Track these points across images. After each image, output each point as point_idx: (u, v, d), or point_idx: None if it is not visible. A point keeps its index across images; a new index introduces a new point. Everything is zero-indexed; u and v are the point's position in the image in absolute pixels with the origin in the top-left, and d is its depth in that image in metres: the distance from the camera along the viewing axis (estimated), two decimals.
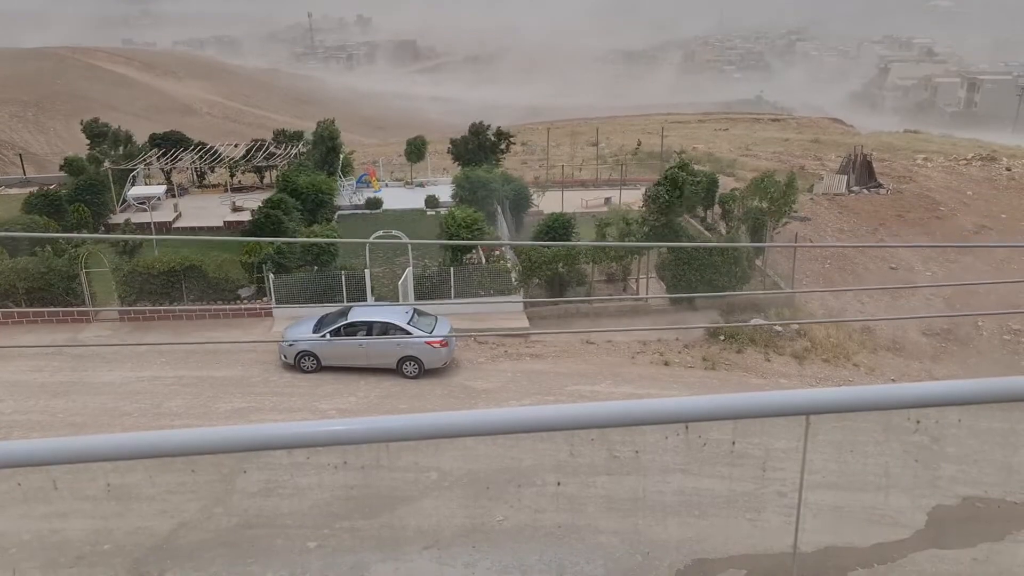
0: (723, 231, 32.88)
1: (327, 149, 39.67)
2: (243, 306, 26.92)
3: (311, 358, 23.05)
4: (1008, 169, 47.02)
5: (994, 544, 3.02)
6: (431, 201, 37.88)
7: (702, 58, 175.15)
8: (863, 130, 78.12)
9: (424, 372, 22.96)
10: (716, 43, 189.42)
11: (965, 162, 49.99)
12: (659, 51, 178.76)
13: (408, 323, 23.24)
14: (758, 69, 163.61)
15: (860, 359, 25.96)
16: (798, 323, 26.72)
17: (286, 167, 38.41)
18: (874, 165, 42.89)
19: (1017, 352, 27.33)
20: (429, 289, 27.32)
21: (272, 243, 26.77)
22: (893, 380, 24.70)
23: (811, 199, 38.77)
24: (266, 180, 42.08)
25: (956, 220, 37.53)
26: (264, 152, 41.35)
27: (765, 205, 29.62)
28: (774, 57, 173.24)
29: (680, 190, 27.33)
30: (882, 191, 41.06)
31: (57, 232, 28.02)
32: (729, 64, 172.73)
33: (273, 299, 26.64)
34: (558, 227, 28.60)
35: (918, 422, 2.68)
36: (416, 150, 42.81)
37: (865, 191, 40.90)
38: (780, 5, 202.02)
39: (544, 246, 26.95)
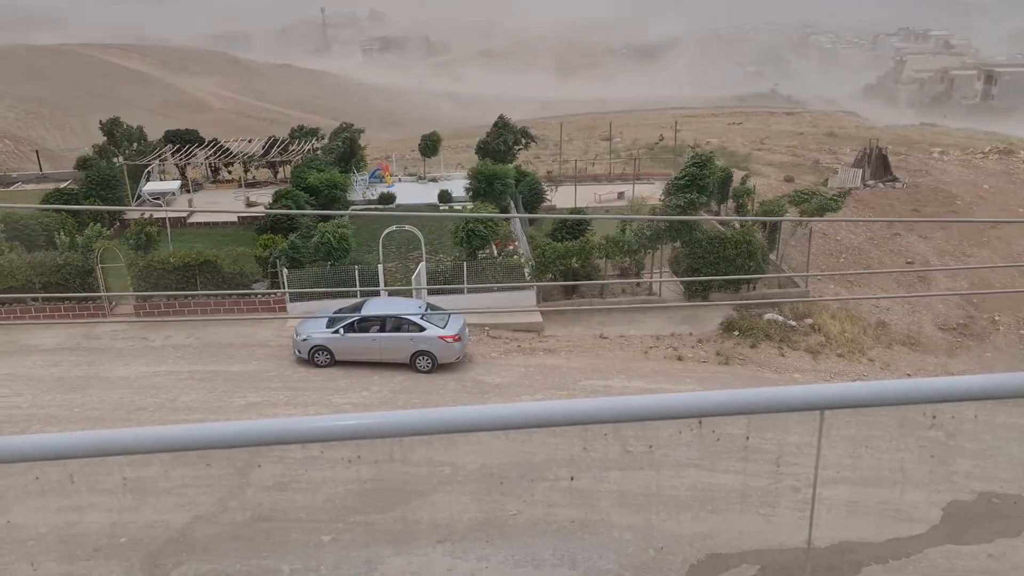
0: (737, 225, 32.73)
1: (346, 150, 39.76)
2: (257, 291, 27.03)
3: (325, 352, 23.15)
4: None
5: (1010, 540, 3.00)
6: (444, 196, 37.91)
7: (715, 51, 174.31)
8: (878, 123, 77.58)
9: (437, 367, 23.02)
10: (729, 36, 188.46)
11: (982, 155, 49.58)
12: (672, 45, 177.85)
13: (421, 318, 23.29)
14: (772, 62, 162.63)
15: (875, 354, 25.81)
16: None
17: (300, 163, 38.55)
18: (889, 159, 42.57)
19: None
20: (442, 284, 27.37)
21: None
22: (908, 375, 24.56)
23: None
24: (280, 176, 42.23)
25: (973, 214, 37.22)
26: (279, 147, 41.52)
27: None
28: (788, 50, 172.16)
29: (702, 185, 27.44)
30: (898, 185, 40.76)
31: (71, 228, 28.21)
32: (743, 57, 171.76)
33: (287, 292, 26.75)
34: (573, 223, 28.59)
35: (934, 417, 2.67)
36: (431, 146, 42.86)
37: (880, 185, 40.60)
38: None
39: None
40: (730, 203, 34.29)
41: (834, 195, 30.38)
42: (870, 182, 40.68)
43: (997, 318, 28.31)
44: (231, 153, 41.95)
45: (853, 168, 41.93)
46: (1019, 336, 27.68)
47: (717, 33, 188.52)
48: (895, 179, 41.22)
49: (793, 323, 26.52)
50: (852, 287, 30.49)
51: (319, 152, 40.37)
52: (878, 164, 41.50)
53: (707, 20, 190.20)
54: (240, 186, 41.48)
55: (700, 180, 27.49)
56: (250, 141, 43.32)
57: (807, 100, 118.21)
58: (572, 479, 2.79)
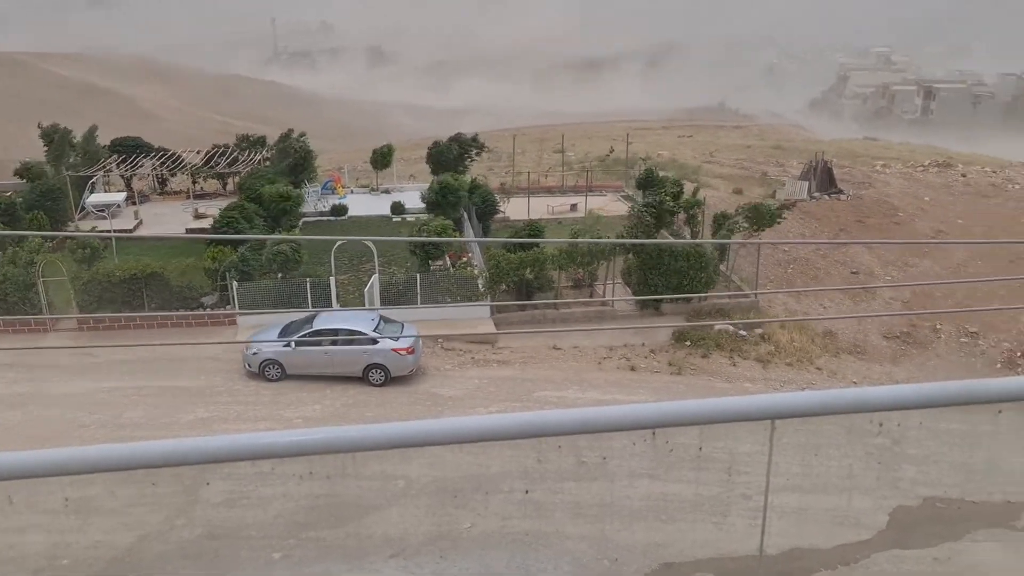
0: (688, 236, 33.14)
1: (295, 162, 39.26)
2: (206, 312, 26.57)
3: (276, 366, 22.82)
4: (963, 175, 48.11)
5: (954, 544, 3.07)
6: (397, 208, 37.75)
7: (666, 65, 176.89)
8: (824, 137, 79.39)
9: (390, 380, 22.84)
10: (680, 50, 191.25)
11: (922, 168, 51.09)
12: (623, 58, 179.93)
13: (374, 330, 23.11)
14: (721, 76, 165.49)
15: (823, 363, 26.32)
16: (761, 321, 27.03)
17: (249, 174, 38.04)
18: (834, 171, 43.62)
19: (974, 354, 27.92)
20: (395, 296, 27.21)
21: (242, 243, 26.49)
22: (855, 383, 25.08)
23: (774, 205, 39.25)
24: (229, 187, 41.63)
25: (914, 225, 38.27)
26: (228, 158, 40.91)
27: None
28: (736, 65, 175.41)
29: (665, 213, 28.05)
30: (842, 197, 41.74)
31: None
32: (693, 71, 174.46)
33: (237, 306, 26.34)
34: (528, 232, 28.73)
35: (880, 425, 2.72)
36: (382, 157, 42.67)
37: (826, 197, 41.54)
38: (742, 12, 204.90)
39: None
40: (681, 214, 34.69)
41: (777, 207, 30.99)
42: (816, 194, 41.60)
43: (938, 327, 29.09)
44: (178, 163, 41.21)
45: (800, 180, 42.86)
46: (959, 344, 28.47)
47: (668, 48, 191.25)
48: (840, 191, 42.22)
49: (743, 333, 26.92)
50: (800, 298, 31.07)
51: (268, 163, 39.89)
52: (824, 177, 42.49)
53: (658, 35, 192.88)
54: (188, 197, 40.78)
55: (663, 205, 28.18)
56: (198, 152, 42.59)
57: (755, 114, 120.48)
58: (527, 491, 2.78)
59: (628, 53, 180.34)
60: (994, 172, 49.32)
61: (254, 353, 22.88)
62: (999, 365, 27.13)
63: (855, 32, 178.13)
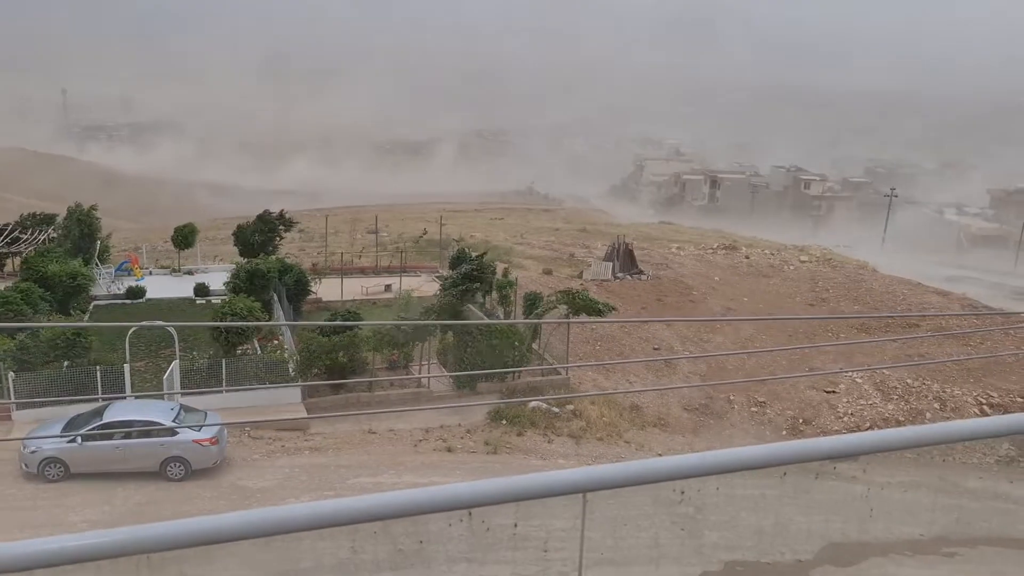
0: (501, 315, 33.86)
1: (81, 235, 36.67)
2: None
3: (58, 465, 20.66)
4: (747, 257, 52.77)
5: None
6: (201, 290, 35.98)
7: (477, 151, 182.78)
8: (624, 221, 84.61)
9: (192, 473, 21.31)
10: (490, 137, 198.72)
11: (711, 251, 55.55)
12: (439, 142, 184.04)
13: (174, 420, 21.58)
14: (530, 162, 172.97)
15: (630, 436, 27.40)
16: (572, 396, 27.85)
17: (33, 253, 35.04)
18: (635, 253, 46.49)
19: (763, 422, 30.14)
20: (198, 384, 25.65)
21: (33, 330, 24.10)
22: (660, 454, 26.27)
23: (581, 285, 41.07)
24: (9, 268, 38.09)
25: (707, 303, 41.27)
26: (7, 237, 37.52)
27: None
28: (543, 151, 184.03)
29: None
30: (643, 277, 44.43)
31: None
32: (505, 156, 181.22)
33: (13, 399, 23.76)
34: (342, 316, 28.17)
35: (682, 492, 2.84)
36: (184, 237, 40.80)
37: (628, 277, 44.05)
38: (556, 104, 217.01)
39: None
40: (494, 295, 35.48)
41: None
42: (620, 274, 44.01)
43: (732, 398, 31.23)
44: None
45: (604, 261, 45.26)
46: (751, 413, 30.65)
47: (479, 134, 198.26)
48: (641, 272, 44.94)
49: (556, 410, 27.58)
50: (608, 373, 32.40)
51: (55, 241, 37.03)
52: (626, 258, 45.15)
53: (473, 122, 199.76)
54: None
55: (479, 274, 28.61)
56: None
57: (562, 198, 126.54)
58: None
59: (444, 138, 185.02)
60: (772, 254, 54.53)
61: (32, 451, 20.63)
62: (784, 432, 29.45)
63: (651, 125, 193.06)
